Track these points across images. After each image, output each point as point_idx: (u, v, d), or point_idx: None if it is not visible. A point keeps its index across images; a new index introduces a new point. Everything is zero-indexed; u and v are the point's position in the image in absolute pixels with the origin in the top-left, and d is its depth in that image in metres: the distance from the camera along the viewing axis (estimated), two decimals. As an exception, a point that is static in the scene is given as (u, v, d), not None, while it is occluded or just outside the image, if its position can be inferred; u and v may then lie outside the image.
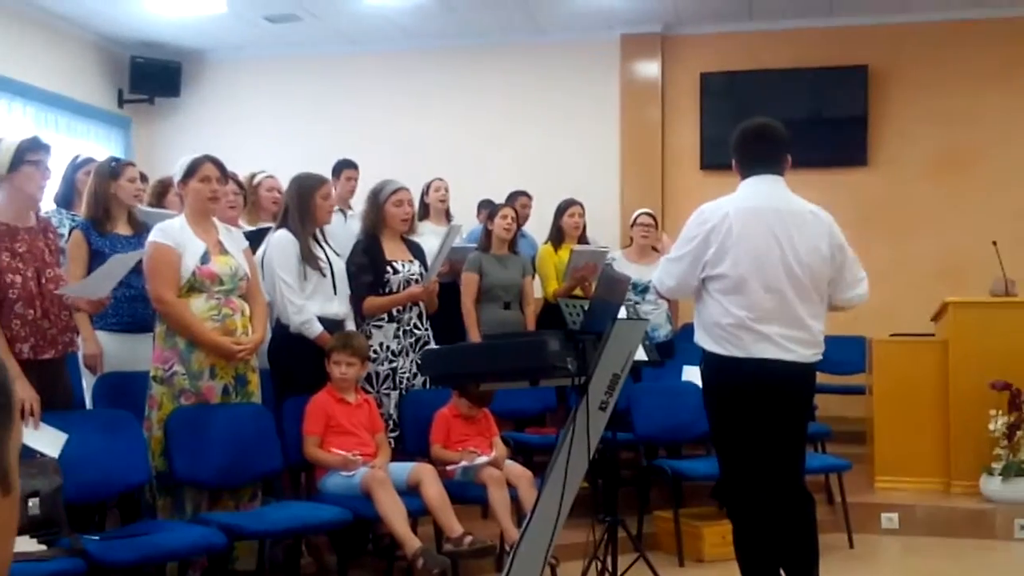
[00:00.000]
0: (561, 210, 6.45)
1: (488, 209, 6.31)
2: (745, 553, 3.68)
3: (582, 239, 6.44)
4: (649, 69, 8.63)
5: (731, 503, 3.79)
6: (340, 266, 4.78)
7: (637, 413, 5.45)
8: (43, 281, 3.73)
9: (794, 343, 3.55)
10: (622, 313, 3.78)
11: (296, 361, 4.58)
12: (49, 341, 3.74)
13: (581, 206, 6.48)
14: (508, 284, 5.92)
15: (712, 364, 3.65)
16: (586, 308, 3.64)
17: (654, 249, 6.52)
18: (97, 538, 3.48)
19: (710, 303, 3.62)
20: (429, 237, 5.74)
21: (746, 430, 3.59)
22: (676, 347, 6.39)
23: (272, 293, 4.54)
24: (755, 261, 3.53)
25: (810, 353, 3.60)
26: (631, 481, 5.60)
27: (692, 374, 5.72)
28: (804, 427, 3.77)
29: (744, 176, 3.71)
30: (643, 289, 6.20)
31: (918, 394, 6.03)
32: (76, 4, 7.96)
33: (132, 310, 4.44)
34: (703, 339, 3.66)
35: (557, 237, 6.41)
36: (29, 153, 3.69)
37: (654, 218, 6.63)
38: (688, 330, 7.29)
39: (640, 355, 4.02)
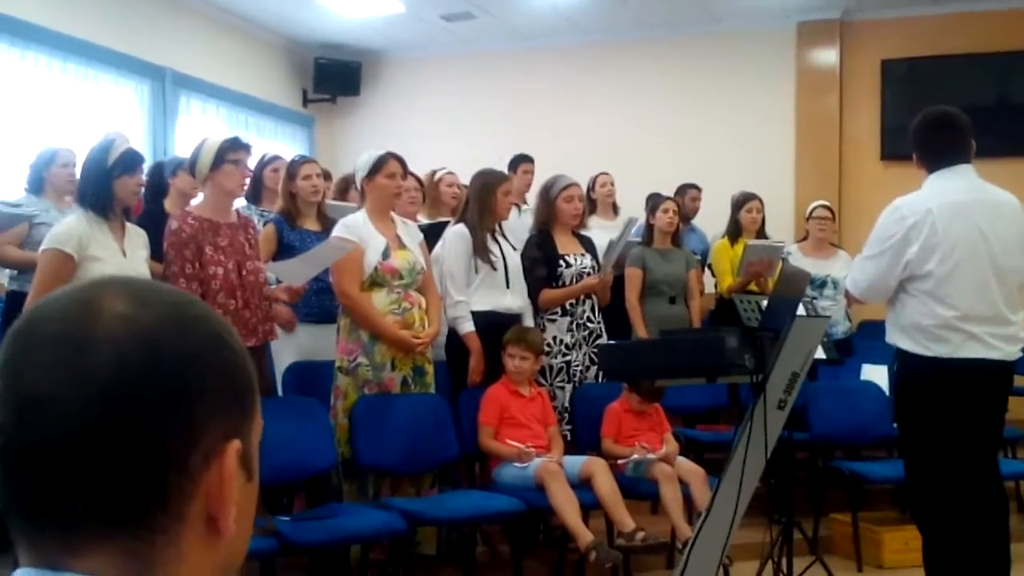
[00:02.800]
0: (739, 204, 6.32)
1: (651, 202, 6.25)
2: (936, 561, 3.53)
3: (760, 234, 6.31)
4: (827, 57, 8.37)
5: (922, 509, 3.64)
6: (515, 260, 4.86)
7: (814, 412, 5.30)
8: (243, 273, 3.95)
9: (1000, 340, 3.42)
10: (800, 310, 3.70)
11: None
12: (250, 330, 3.95)
13: (760, 200, 6.33)
14: (672, 278, 5.86)
15: (911, 365, 3.51)
16: (762, 304, 3.58)
17: (831, 244, 6.33)
18: (288, 519, 3.66)
19: (910, 303, 3.48)
20: (596, 231, 5.75)
21: (946, 432, 3.45)
22: (855, 345, 6.19)
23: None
24: (962, 258, 3.39)
25: (1014, 350, 3.47)
26: (806, 482, 5.46)
27: (873, 373, 5.54)
28: (1001, 428, 3.61)
29: (930, 167, 3.56)
30: (820, 284, 6.03)
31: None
32: (265, 9, 8.38)
33: (320, 302, 4.64)
34: (900, 339, 3.53)
35: (734, 231, 6.29)
36: (230, 152, 3.90)
37: (831, 211, 6.43)
38: (867, 328, 7.08)
39: (818, 353, 3.93)
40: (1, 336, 0.77)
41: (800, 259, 6.01)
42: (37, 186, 4.85)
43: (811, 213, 6.41)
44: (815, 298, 5.78)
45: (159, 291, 0.76)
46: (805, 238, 6.52)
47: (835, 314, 6.08)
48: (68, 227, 3.67)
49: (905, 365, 3.55)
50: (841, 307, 6.21)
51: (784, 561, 4.00)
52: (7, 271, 4.83)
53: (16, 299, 4.34)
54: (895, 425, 5.42)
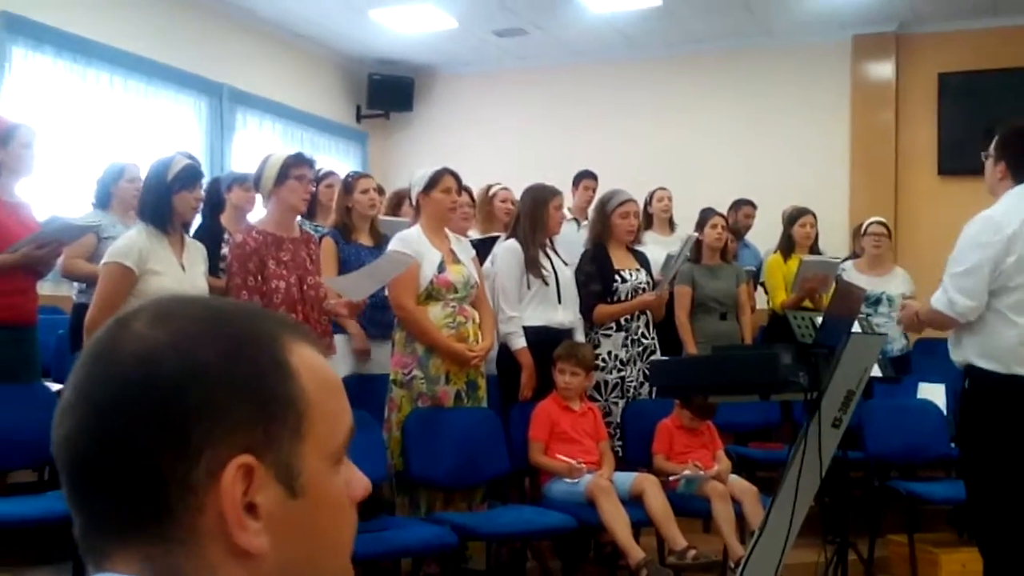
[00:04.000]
0: (792, 219, 6.27)
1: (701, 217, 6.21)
2: None
3: (813, 249, 6.25)
4: (883, 70, 8.29)
5: (985, 531, 3.56)
6: (567, 275, 4.86)
7: (869, 431, 5.22)
8: (304, 287, 4.00)
9: None
10: (856, 327, 3.66)
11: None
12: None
13: (813, 215, 6.28)
14: (722, 294, 5.83)
15: (984, 383, 3.40)
16: (816, 320, 3.55)
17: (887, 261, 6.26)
18: (341, 531, 3.69)
19: (990, 319, 3.37)
20: (653, 247, 5.74)
21: (1015, 453, 3.36)
22: (911, 363, 6.09)
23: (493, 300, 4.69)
24: None
25: None
26: (861, 502, 5.38)
27: (930, 392, 5.45)
28: None
29: (1018, 177, 3.47)
30: (875, 301, 5.95)
31: None
32: (320, 26, 8.50)
33: (374, 316, 4.68)
34: (973, 357, 3.43)
35: (787, 247, 6.24)
36: (293, 168, 3.96)
37: (886, 227, 6.35)
38: (923, 345, 6.97)
39: (874, 371, 3.88)
40: (71, 346, 0.82)
41: (854, 276, 5.94)
42: (104, 201, 4.96)
43: (865, 229, 6.34)
44: (870, 315, 5.72)
45: (187, 308, 0.77)
46: (858, 254, 6.45)
47: (891, 331, 6.00)
48: (129, 241, 3.74)
49: (977, 383, 3.44)
50: (896, 325, 6.13)
51: (839, 582, 3.95)
52: (76, 284, 4.95)
53: (83, 312, 4.44)
54: (953, 445, 5.35)
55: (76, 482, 0.74)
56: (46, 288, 5.87)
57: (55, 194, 6.31)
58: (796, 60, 8.49)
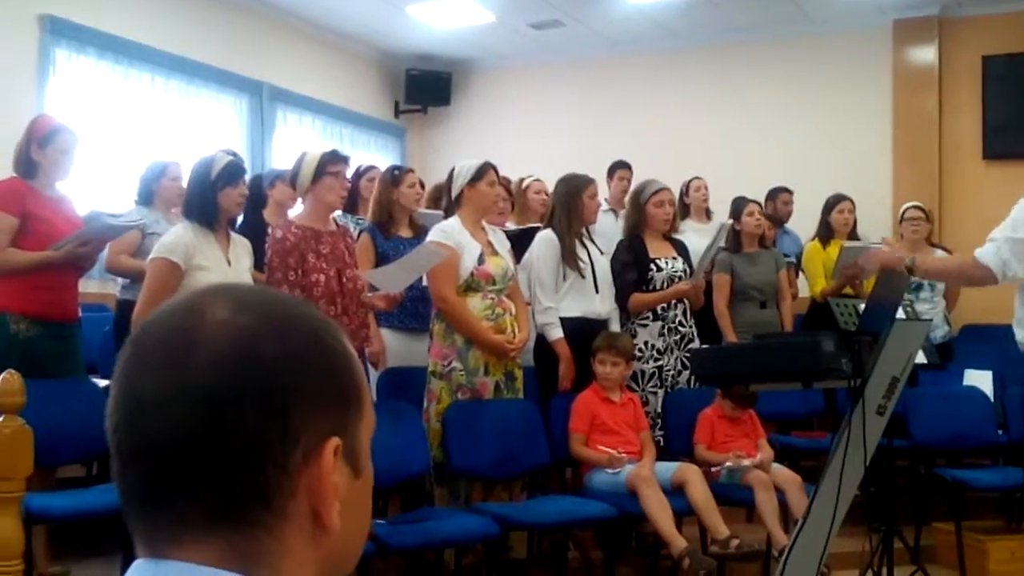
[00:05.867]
0: (830, 206, 6.22)
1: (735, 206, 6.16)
2: None
3: (852, 235, 6.19)
4: (925, 55, 8.16)
5: None
6: (604, 265, 4.86)
7: (914, 418, 5.18)
8: (343, 280, 4.04)
9: None
10: (899, 313, 3.62)
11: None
12: (349, 336, 4.02)
13: (851, 201, 6.22)
14: (762, 282, 5.78)
15: None
16: (859, 307, 3.51)
17: (931, 244, 6.17)
18: (383, 522, 3.73)
19: None
20: (690, 235, 5.71)
21: None
22: (955, 349, 6.02)
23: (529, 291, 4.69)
24: None
25: None
26: (906, 490, 5.33)
27: (978, 379, 5.39)
28: None
29: None
30: (916, 287, 5.88)
31: None
32: (358, 23, 8.55)
33: (414, 309, 4.71)
34: None
35: (825, 234, 6.19)
36: (330, 165, 4.01)
37: (924, 211, 6.26)
38: (969, 332, 6.88)
39: (919, 358, 3.83)
40: (115, 343, 0.82)
41: (896, 261, 5.86)
42: (147, 198, 5.03)
43: (903, 215, 6.27)
44: (913, 301, 5.65)
45: (262, 295, 0.79)
46: (901, 240, 6.37)
47: (934, 318, 5.93)
48: (176, 237, 3.79)
49: None
50: (940, 311, 6.06)
51: (884, 571, 3.91)
52: (119, 281, 5.03)
53: (127, 308, 4.50)
54: (1000, 432, 5.27)
55: (164, 474, 0.72)
56: (92, 286, 5.99)
57: (99, 191, 6.41)
58: (836, 46, 8.39)
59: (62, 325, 4.11)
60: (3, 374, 2.80)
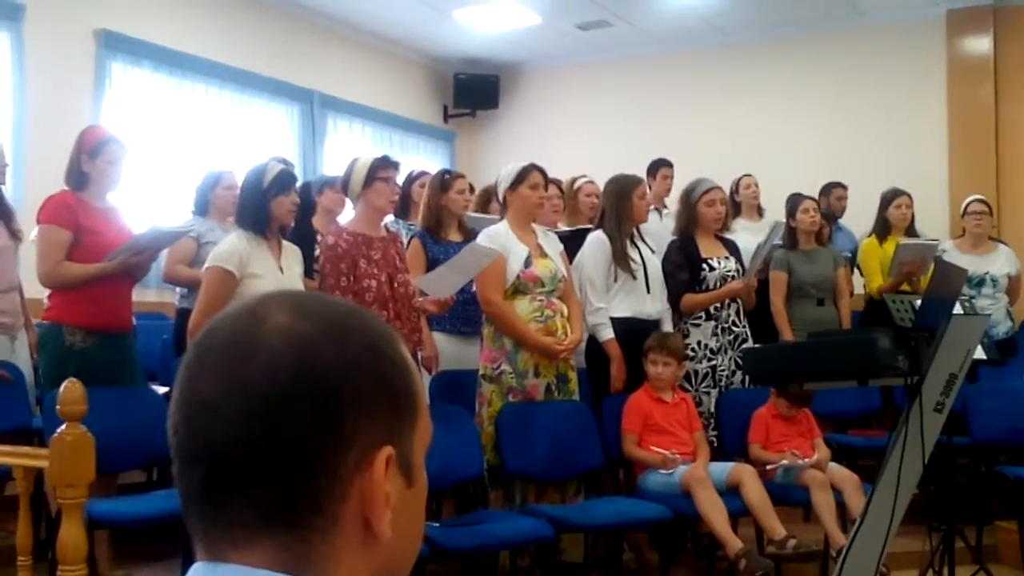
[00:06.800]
0: (887, 201, 6.11)
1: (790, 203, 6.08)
2: None
3: (910, 231, 6.09)
4: (980, 45, 8.01)
5: None
6: (655, 265, 4.83)
7: (974, 416, 5.08)
8: (395, 285, 4.07)
9: None
10: (957, 308, 3.55)
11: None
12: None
13: (909, 196, 6.11)
14: (819, 280, 5.72)
15: None
16: (915, 303, 3.46)
17: (990, 238, 6.05)
18: (438, 525, 3.75)
19: None
20: (742, 234, 5.67)
21: None
22: (1018, 345, 5.89)
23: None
24: None
25: None
26: (967, 488, 5.23)
27: (1039, 375, 5.27)
28: None
29: None
30: (978, 282, 5.78)
31: None
32: (406, 29, 8.61)
33: (464, 312, 4.73)
34: None
35: (882, 229, 6.09)
36: (380, 171, 4.05)
37: (988, 204, 6.15)
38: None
39: (978, 354, 3.76)
40: (175, 350, 0.83)
41: (956, 256, 5.77)
42: (203, 207, 5.11)
43: (966, 208, 6.15)
44: (973, 297, 5.54)
45: (322, 303, 0.80)
46: (961, 235, 6.26)
47: (996, 313, 5.81)
48: (230, 245, 3.85)
49: None
50: (1002, 306, 5.94)
51: (946, 570, 3.85)
52: (178, 290, 5.11)
53: (186, 316, 4.58)
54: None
55: (220, 475, 0.74)
56: (149, 295, 6.10)
57: (155, 203, 6.53)
58: (888, 39, 8.26)
59: (117, 335, 4.14)
60: (65, 383, 2.86)
